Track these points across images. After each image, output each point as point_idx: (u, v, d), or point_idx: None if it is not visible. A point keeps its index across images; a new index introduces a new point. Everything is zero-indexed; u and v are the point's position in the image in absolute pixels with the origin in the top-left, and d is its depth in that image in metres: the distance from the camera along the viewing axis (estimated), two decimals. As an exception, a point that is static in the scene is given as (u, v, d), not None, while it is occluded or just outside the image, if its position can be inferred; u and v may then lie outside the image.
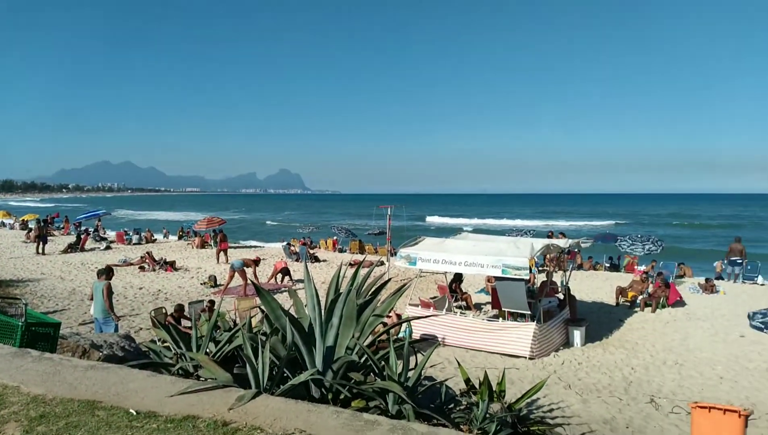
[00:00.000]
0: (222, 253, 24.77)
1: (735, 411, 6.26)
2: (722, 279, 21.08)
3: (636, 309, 15.76)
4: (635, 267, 21.90)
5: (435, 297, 15.23)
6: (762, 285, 20.28)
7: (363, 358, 5.18)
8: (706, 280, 19.01)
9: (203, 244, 30.30)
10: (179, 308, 11.64)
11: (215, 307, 11.21)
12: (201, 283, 19.20)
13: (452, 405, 5.60)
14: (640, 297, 16.03)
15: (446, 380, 6.12)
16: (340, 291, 5.43)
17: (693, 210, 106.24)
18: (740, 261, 21.21)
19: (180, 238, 36.21)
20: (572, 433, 7.27)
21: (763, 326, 9.42)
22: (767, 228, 64.85)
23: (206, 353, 5.69)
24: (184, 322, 10.87)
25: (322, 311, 5.29)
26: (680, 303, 16.35)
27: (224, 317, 7.48)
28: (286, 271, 19.48)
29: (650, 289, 16.25)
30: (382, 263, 21.62)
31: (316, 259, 25.68)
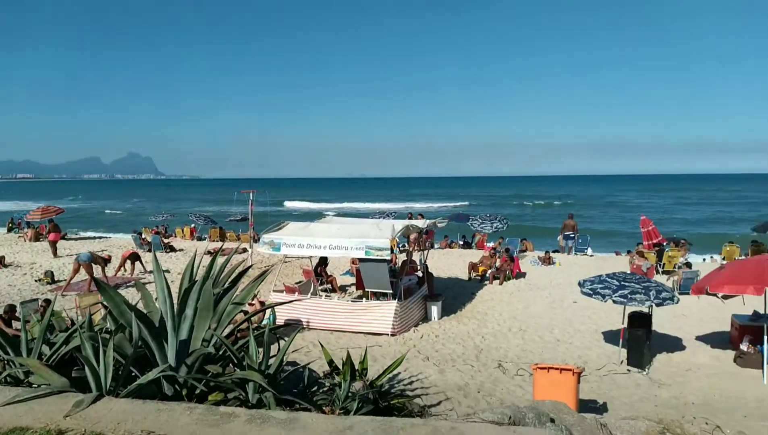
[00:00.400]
0: (51, 246, 22.25)
1: (569, 369, 7.06)
2: (558, 252, 23.58)
3: (486, 282, 17.06)
4: (485, 244, 23.67)
5: (300, 282, 15.13)
6: (591, 256, 23.05)
7: (221, 350, 4.97)
8: (545, 253, 21.13)
9: (37, 237, 27.02)
10: (9, 309, 10.30)
11: (50, 306, 10.06)
12: (36, 280, 17.12)
13: (316, 388, 5.61)
14: (489, 271, 17.38)
15: (309, 364, 6.10)
16: (195, 280, 5.14)
17: (533, 191, 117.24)
18: (573, 235, 23.87)
19: (10, 230, 31.96)
20: (430, 402, 7.67)
21: (591, 292, 10.68)
22: (594, 206, 73.85)
23: (39, 357, 5.07)
24: (16, 325, 9.64)
25: (174, 303, 4.96)
26: (522, 275, 18.03)
27: (60, 316, 6.72)
28: (136, 257, 18.12)
29: (498, 263, 17.66)
30: (245, 250, 20.97)
31: (172, 249, 24.17)
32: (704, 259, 22.05)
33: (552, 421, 4.74)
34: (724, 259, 20.70)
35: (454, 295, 15.36)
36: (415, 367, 9.69)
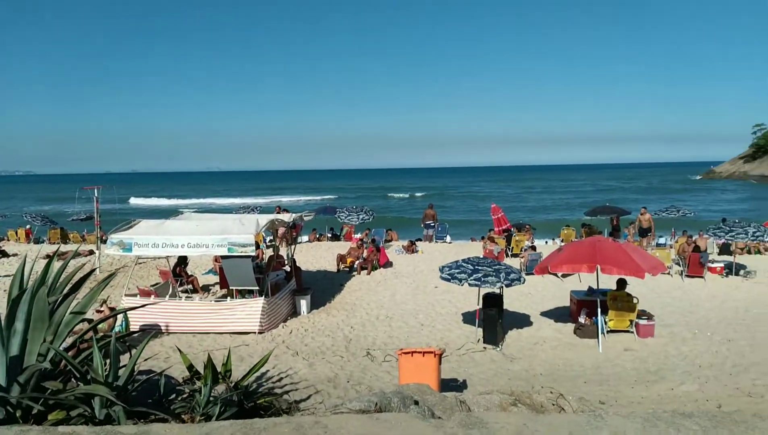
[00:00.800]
0: None
1: (431, 352, 7.39)
2: (421, 240, 24.63)
3: (354, 273, 17.30)
4: (353, 235, 23.99)
5: (157, 284, 14.16)
6: (450, 243, 24.38)
7: (61, 363, 4.46)
8: (409, 242, 21.96)
9: None
10: None
11: None
12: None
13: (174, 396, 5.27)
14: (357, 262, 17.65)
15: (167, 370, 5.73)
16: (26, 288, 4.53)
17: (397, 183, 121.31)
18: (433, 224, 25.07)
19: None
20: (300, 397, 7.60)
21: (450, 277, 11.30)
22: (452, 196, 78.36)
23: None
24: None
25: (0, 315, 4.35)
26: (389, 264, 18.57)
27: None
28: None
29: (365, 254, 18.00)
30: (92, 252, 19.08)
31: (4, 254, 21.27)
32: (546, 242, 24.38)
33: (416, 403, 4.92)
34: (562, 241, 23.09)
35: (323, 288, 15.37)
36: (285, 363, 9.54)
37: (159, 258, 15.89)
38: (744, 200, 65.74)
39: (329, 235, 25.75)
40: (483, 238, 22.92)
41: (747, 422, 3.19)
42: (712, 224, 17.85)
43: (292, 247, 15.54)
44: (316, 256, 20.45)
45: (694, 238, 19.08)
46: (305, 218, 16.12)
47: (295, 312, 13.16)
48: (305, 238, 24.64)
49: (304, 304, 13.20)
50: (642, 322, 11.10)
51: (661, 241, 22.46)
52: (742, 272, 16.51)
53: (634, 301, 11.37)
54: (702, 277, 16.24)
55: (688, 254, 16.80)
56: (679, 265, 17.30)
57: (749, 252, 19.84)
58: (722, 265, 16.85)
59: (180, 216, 13.75)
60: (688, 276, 16.39)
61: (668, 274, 16.55)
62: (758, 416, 3.33)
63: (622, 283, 11.55)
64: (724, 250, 19.33)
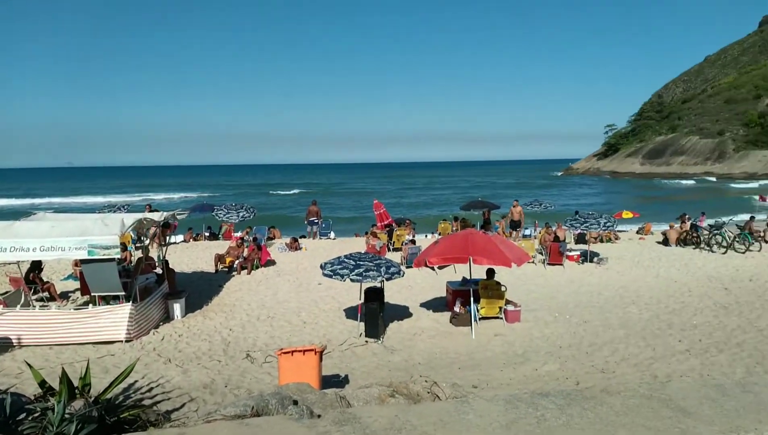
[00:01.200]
0: None
1: (312, 350, 7.33)
2: (305, 237, 24.41)
3: (234, 273, 16.71)
4: (232, 234, 23.15)
5: (7, 292, 12.67)
6: (334, 239, 24.44)
7: None
8: (292, 239, 21.66)
9: None
10: None
11: None
12: None
13: (24, 415, 4.73)
14: (237, 261, 17.06)
15: (13, 387, 5.12)
16: None
17: (280, 179, 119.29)
18: (317, 221, 24.98)
19: None
20: (172, 407, 7.18)
21: (331, 274, 11.31)
22: (335, 193, 78.64)
23: None
24: None
25: None
26: (271, 262, 18.19)
27: None
28: None
29: (245, 253, 17.46)
30: None
31: None
32: (426, 236, 25.34)
33: (295, 403, 4.85)
34: (439, 234, 24.11)
35: (199, 290, 14.66)
36: (156, 371, 8.95)
37: (8, 263, 14.23)
38: (598, 194, 73.33)
39: (207, 235, 24.63)
40: (366, 233, 23.26)
41: (596, 398, 3.53)
42: (569, 216, 19.66)
43: (164, 248, 14.64)
44: (192, 256, 19.47)
45: (553, 229, 20.87)
46: (178, 217, 15.27)
47: (168, 317, 12.41)
48: (180, 237, 23.38)
49: (177, 307, 12.48)
50: (510, 308, 11.92)
51: (527, 232, 24.31)
52: (595, 259, 18.33)
53: (503, 289, 12.18)
54: (561, 264, 17.82)
55: (548, 244, 18.35)
56: (542, 254, 18.83)
57: (602, 241, 22.10)
58: (578, 253, 18.61)
59: (32, 217, 12.34)
60: (549, 264, 17.89)
61: (533, 262, 17.95)
62: (606, 392, 3.71)
63: (491, 273, 12.31)
64: (580, 239, 21.36)
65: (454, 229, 24.51)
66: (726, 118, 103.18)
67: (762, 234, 20.83)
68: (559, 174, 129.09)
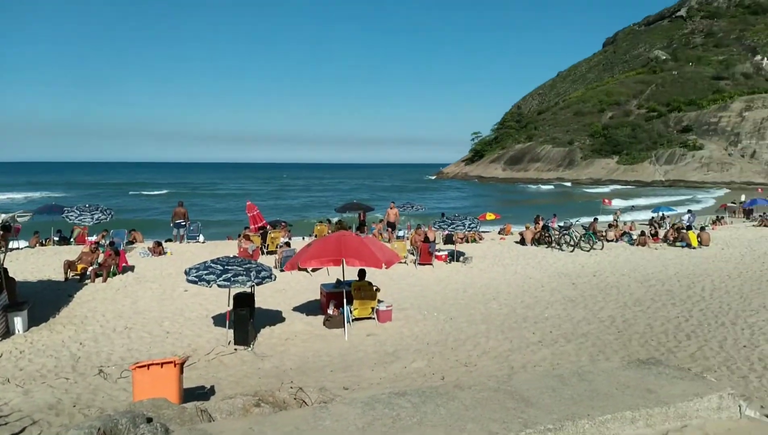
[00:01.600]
0: None
1: (170, 362, 6.88)
2: (170, 241, 22.98)
3: (87, 281, 15.25)
4: (86, 238, 21.17)
5: None
6: (203, 242, 23.28)
7: None
8: (155, 243, 20.28)
9: None
10: None
11: None
12: None
13: None
14: (91, 268, 15.60)
15: None
16: None
17: (144, 178, 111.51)
18: (184, 223, 23.63)
19: None
20: (11, 431, 6.38)
21: (197, 279, 10.72)
22: (205, 194, 75.19)
23: None
24: None
25: None
26: (131, 269, 16.87)
27: None
28: None
29: (101, 258, 16.02)
30: None
31: None
32: (303, 238, 25.08)
33: (149, 420, 4.51)
34: (316, 236, 24.01)
35: (45, 301, 13.17)
36: (-12, 395, 7.88)
37: None
38: (466, 197, 77.84)
39: (56, 239, 22.27)
40: (239, 236, 22.47)
41: (449, 393, 3.69)
42: (437, 218, 20.62)
43: (2, 255, 12.95)
44: (38, 264, 17.49)
45: (423, 230, 21.76)
46: (19, 219, 13.63)
47: (7, 332, 11.00)
48: (23, 243, 20.90)
49: (18, 321, 11.11)
50: (381, 308, 12.19)
51: (400, 233, 25.10)
52: (461, 259, 19.39)
53: (375, 289, 12.42)
54: (431, 264, 18.61)
55: (419, 245, 19.08)
56: (413, 255, 19.54)
57: (467, 241, 23.45)
58: (446, 253, 19.56)
59: None
60: (420, 264, 18.60)
61: (404, 262, 18.54)
62: (458, 387, 3.89)
63: (362, 273, 12.50)
64: (448, 240, 22.48)
65: (330, 231, 24.54)
66: (575, 129, 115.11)
67: (604, 234, 23.46)
68: (433, 177, 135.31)
